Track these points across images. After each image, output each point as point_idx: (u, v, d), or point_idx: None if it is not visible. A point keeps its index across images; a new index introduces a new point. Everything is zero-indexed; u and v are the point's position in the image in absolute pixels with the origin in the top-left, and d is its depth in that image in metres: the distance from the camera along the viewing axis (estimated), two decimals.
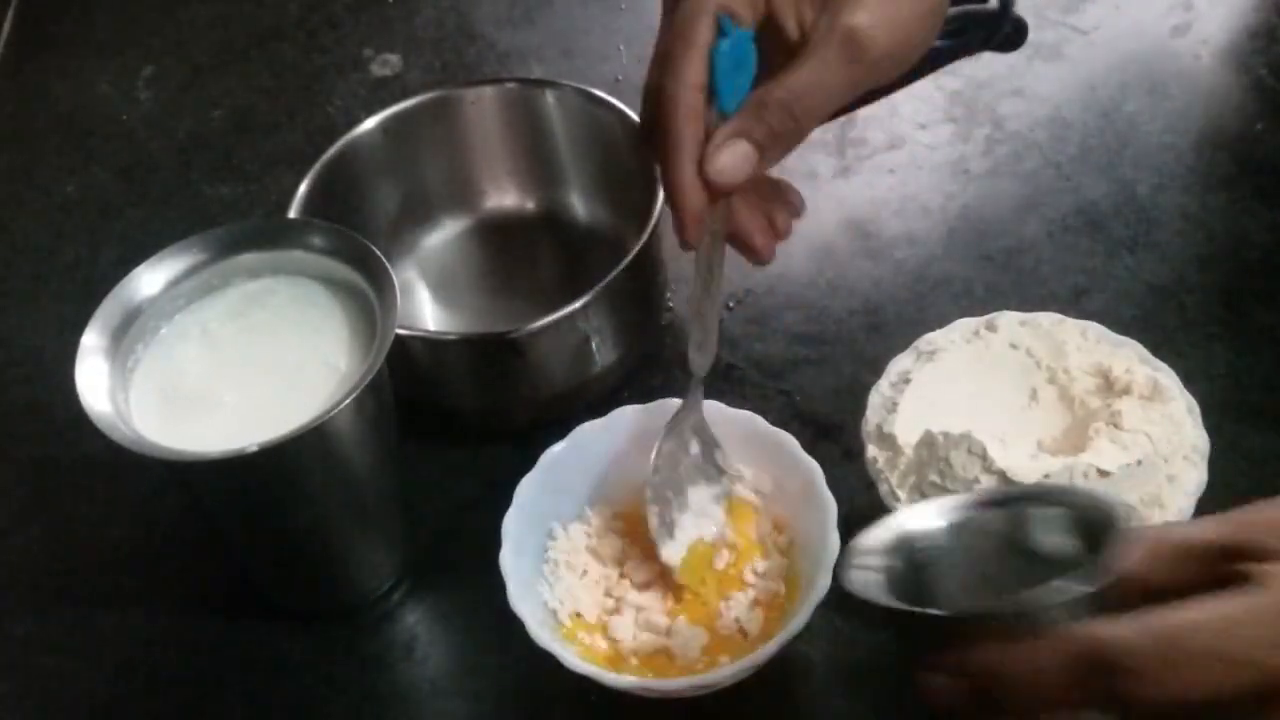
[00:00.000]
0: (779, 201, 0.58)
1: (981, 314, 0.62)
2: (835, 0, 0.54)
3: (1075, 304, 0.70)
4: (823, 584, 0.54)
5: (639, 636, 0.58)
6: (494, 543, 0.57)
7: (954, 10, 0.60)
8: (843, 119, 0.66)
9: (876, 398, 0.61)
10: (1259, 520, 0.43)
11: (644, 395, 0.62)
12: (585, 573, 0.60)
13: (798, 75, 0.54)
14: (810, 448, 0.59)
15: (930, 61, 0.61)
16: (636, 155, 0.68)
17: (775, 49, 0.55)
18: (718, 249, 0.56)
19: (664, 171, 0.54)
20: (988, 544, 0.47)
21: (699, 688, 0.55)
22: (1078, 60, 0.83)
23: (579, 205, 0.77)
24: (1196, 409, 0.58)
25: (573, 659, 0.54)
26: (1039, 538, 0.47)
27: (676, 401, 0.61)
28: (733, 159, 0.54)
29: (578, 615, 0.58)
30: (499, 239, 0.77)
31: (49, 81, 0.94)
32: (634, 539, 0.60)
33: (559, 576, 0.59)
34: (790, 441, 0.59)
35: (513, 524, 0.58)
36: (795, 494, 0.59)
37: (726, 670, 0.54)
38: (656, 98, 0.53)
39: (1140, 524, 0.48)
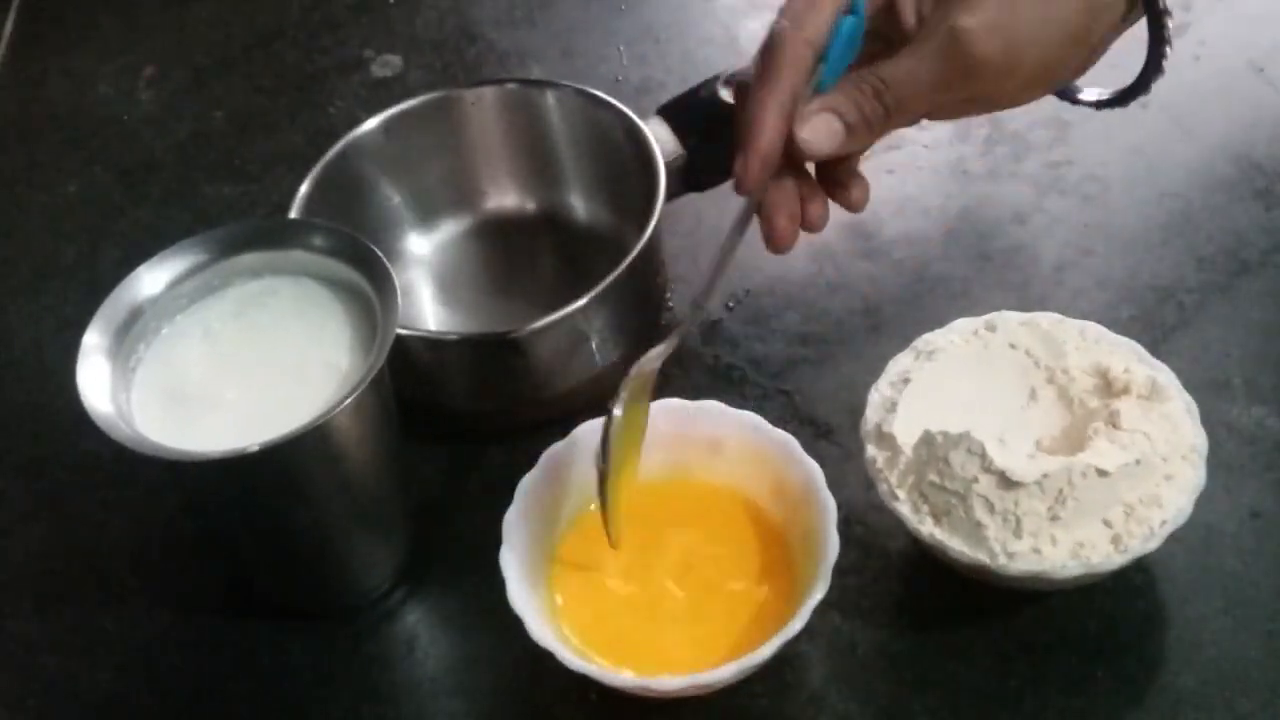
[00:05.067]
0: (819, 196, 0.58)
1: (980, 314, 0.63)
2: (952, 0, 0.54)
3: (1074, 304, 0.70)
4: (822, 584, 0.54)
5: (639, 635, 0.58)
6: (494, 542, 0.57)
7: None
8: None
9: (876, 397, 0.61)
10: None
11: None
12: (586, 570, 0.60)
13: (895, 64, 0.54)
14: (810, 447, 0.59)
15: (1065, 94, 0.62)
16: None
17: (884, 38, 0.56)
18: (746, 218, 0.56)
19: (749, 106, 0.54)
20: None
21: (698, 687, 0.55)
22: None
23: (579, 205, 0.77)
24: (1195, 409, 0.59)
25: (571, 657, 0.54)
26: None
27: (680, 401, 0.61)
28: (820, 130, 0.54)
29: (578, 613, 0.58)
30: (499, 239, 0.78)
31: (50, 82, 0.94)
32: (634, 537, 0.60)
33: (559, 574, 0.59)
34: (791, 442, 0.60)
35: (513, 521, 0.58)
36: (796, 494, 0.59)
37: (726, 670, 0.54)
38: (770, 40, 0.53)
39: None
